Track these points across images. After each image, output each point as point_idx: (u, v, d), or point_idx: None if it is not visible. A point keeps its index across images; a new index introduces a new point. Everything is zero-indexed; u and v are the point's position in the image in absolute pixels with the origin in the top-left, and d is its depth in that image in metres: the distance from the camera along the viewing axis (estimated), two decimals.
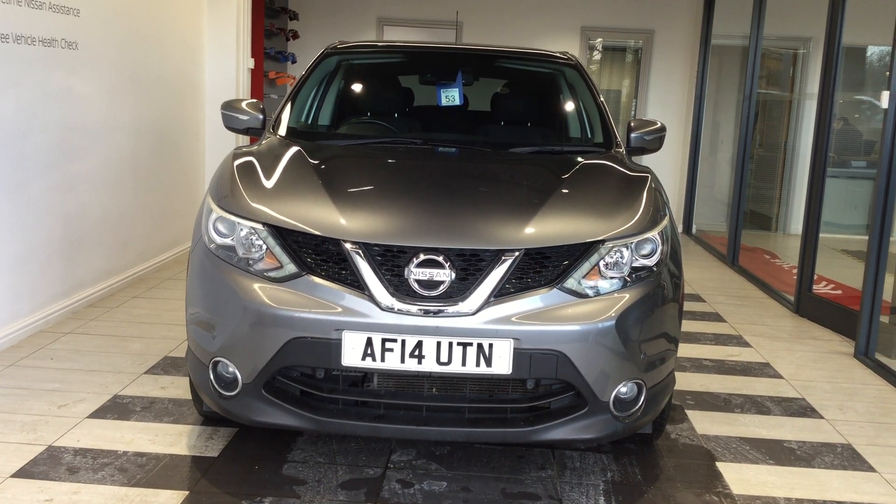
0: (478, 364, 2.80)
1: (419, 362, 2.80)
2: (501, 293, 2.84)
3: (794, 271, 6.46)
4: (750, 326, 5.71)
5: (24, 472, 3.08)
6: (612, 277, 2.97)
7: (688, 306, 6.05)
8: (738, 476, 3.35)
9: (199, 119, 7.33)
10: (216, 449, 3.35)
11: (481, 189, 3.37)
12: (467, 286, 2.83)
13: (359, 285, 2.83)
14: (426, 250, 2.83)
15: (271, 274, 2.91)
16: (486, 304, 2.81)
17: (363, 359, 2.80)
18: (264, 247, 2.95)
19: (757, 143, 9.54)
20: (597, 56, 11.30)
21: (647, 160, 7.76)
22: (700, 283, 7.07)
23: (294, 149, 3.61)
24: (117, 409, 3.71)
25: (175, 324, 5.00)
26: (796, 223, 9.08)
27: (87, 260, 5.37)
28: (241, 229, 2.99)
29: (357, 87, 4.82)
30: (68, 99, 5.04)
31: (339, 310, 2.80)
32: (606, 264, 2.97)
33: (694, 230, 9.93)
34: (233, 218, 3.03)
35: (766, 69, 9.79)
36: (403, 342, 2.79)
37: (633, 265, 3.01)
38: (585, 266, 2.94)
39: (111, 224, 5.70)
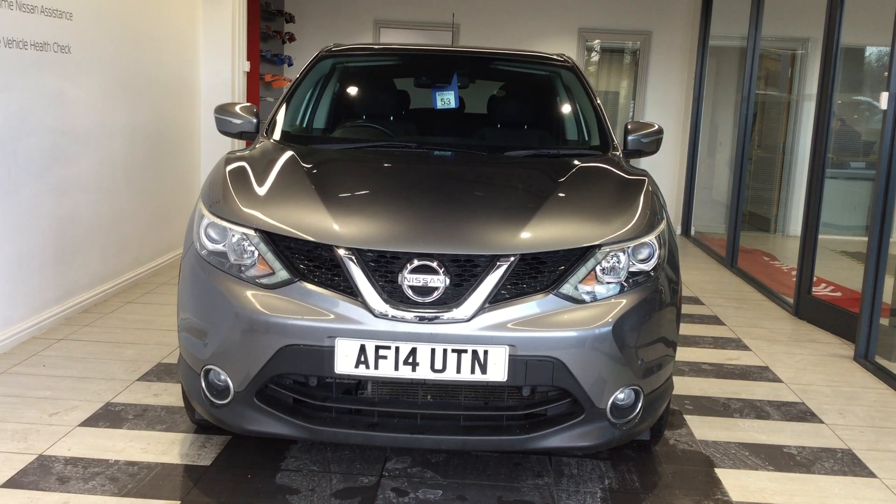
0: (473, 371, 2.76)
1: (413, 370, 2.76)
2: (497, 299, 2.80)
3: (794, 273, 6.43)
4: (749, 329, 5.67)
5: (13, 482, 3.04)
6: (608, 282, 2.93)
7: (686, 309, 6.01)
8: (737, 482, 3.31)
9: (193, 122, 7.30)
10: (209, 457, 3.31)
11: (476, 193, 3.33)
12: (462, 292, 2.79)
13: (352, 292, 2.79)
14: (420, 256, 2.79)
15: (263, 280, 2.87)
16: (481, 310, 2.77)
17: (357, 366, 2.76)
18: (256, 253, 2.91)
19: (755, 144, 9.52)
20: (595, 57, 11.26)
21: (644, 162, 7.74)
22: (699, 285, 7.03)
23: (287, 153, 3.57)
24: (109, 417, 3.67)
25: (169, 329, 4.95)
26: (795, 225, 9.05)
27: (81, 265, 5.33)
28: (233, 235, 2.95)
29: (352, 90, 4.78)
30: (61, 103, 5.00)
31: (332, 317, 2.76)
32: (603, 269, 2.93)
33: (692, 232, 9.90)
34: (224, 224, 2.99)
35: (765, 70, 9.76)
36: (397, 349, 2.75)
37: (630, 270, 2.98)
38: (582, 271, 2.90)
39: (105, 228, 5.66)
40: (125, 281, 5.93)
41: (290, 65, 10.08)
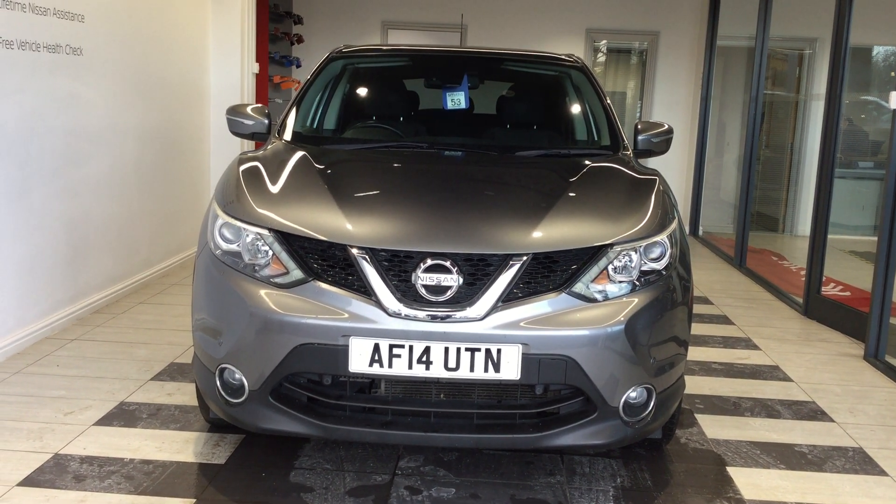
0: (486, 370, 2.78)
1: (427, 368, 2.78)
2: (509, 298, 2.82)
3: (803, 273, 6.43)
4: (758, 329, 5.68)
5: (30, 481, 3.06)
6: (620, 281, 2.94)
7: (695, 309, 6.01)
8: (748, 481, 3.32)
9: (203, 124, 7.33)
10: (223, 456, 3.33)
11: (488, 193, 3.35)
12: (475, 291, 2.81)
13: (366, 291, 2.81)
14: (433, 255, 2.81)
15: (277, 280, 2.89)
16: (494, 309, 2.79)
17: (371, 365, 2.78)
18: (270, 252, 2.93)
19: (763, 144, 9.52)
20: (601, 58, 11.27)
21: (652, 162, 7.74)
22: (707, 285, 7.04)
23: (299, 153, 3.60)
24: (123, 416, 3.69)
25: (181, 329, 4.98)
26: (804, 224, 9.05)
27: (92, 266, 5.36)
28: (247, 235, 2.97)
29: (362, 91, 4.80)
30: (73, 105, 5.04)
31: (346, 316, 2.78)
32: (615, 268, 2.94)
33: (700, 232, 9.90)
34: (238, 224, 3.01)
35: (773, 70, 9.76)
36: (411, 348, 2.77)
37: (642, 269, 2.99)
38: (594, 270, 2.91)
39: (116, 230, 5.69)
40: (136, 282, 5.96)
41: (299, 66, 10.11)
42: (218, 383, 2.99)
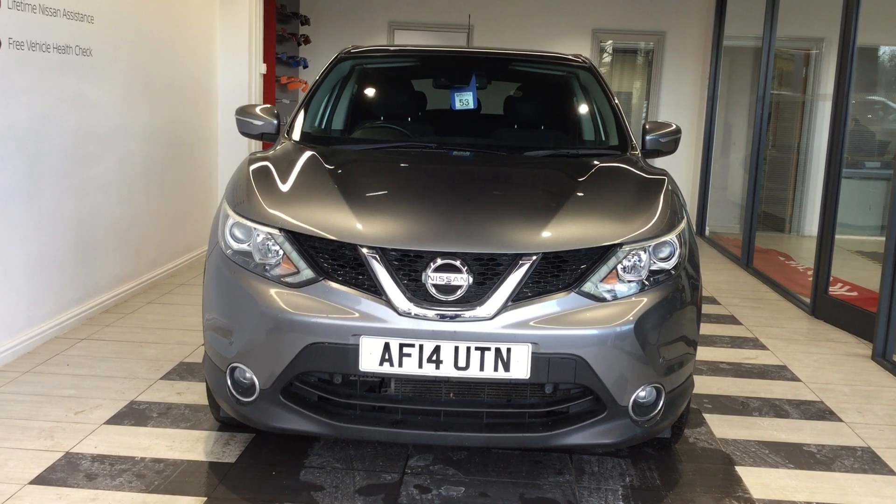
0: (496, 369, 2.79)
1: (437, 367, 2.79)
2: (519, 297, 2.83)
3: (810, 273, 6.42)
4: (766, 329, 5.68)
5: (42, 479, 3.08)
6: (629, 281, 2.95)
7: (703, 309, 6.00)
8: (757, 480, 3.33)
9: (211, 124, 7.35)
10: (233, 455, 3.35)
11: (497, 193, 3.36)
12: (485, 290, 2.82)
13: (376, 290, 2.82)
14: (443, 255, 2.82)
15: (288, 279, 2.90)
16: (504, 308, 2.80)
17: (381, 364, 2.79)
18: (281, 252, 2.95)
19: (770, 144, 9.51)
20: (606, 58, 11.27)
21: (659, 162, 7.75)
22: (714, 285, 7.04)
23: (309, 154, 3.61)
24: (134, 415, 3.71)
25: (190, 329, 5.00)
26: (810, 225, 9.04)
27: (101, 266, 5.38)
28: (258, 235, 2.99)
29: (371, 92, 4.81)
30: (82, 105, 5.06)
31: (357, 315, 2.79)
32: (624, 268, 2.95)
33: (707, 232, 9.89)
34: (249, 223, 3.03)
35: (779, 70, 9.75)
36: (421, 347, 2.78)
37: (651, 268, 3.00)
38: (603, 270, 2.92)
39: (124, 230, 5.71)
40: (144, 281, 5.99)
41: (306, 67, 10.14)
42: (229, 382, 3.00)
